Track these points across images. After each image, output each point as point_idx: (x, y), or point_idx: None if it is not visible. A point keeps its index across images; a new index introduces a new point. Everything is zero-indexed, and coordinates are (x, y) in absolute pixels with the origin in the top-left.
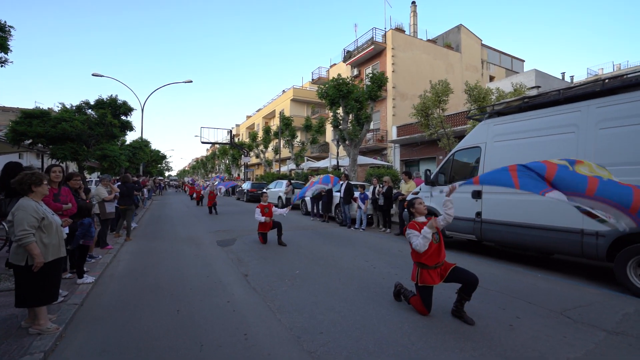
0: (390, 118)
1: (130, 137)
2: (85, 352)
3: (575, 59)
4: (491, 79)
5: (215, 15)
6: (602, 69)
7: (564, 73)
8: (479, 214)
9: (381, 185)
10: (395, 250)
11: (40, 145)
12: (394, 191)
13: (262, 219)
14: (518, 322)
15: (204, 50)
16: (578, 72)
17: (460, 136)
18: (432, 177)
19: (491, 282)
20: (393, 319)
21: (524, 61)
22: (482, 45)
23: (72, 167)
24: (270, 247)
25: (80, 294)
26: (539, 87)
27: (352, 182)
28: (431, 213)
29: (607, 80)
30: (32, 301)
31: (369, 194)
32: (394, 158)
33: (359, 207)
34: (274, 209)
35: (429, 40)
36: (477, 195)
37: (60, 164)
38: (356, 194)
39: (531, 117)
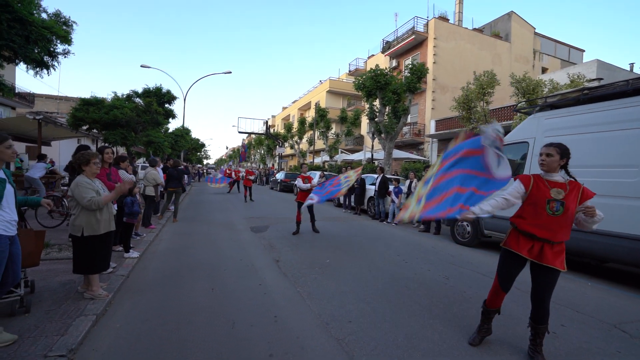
0: (429, 111)
1: (172, 125)
2: (131, 319)
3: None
4: (543, 70)
5: (254, 5)
6: None
7: (632, 64)
8: None
9: (418, 180)
10: (428, 246)
11: (95, 130)
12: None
13: (306, 186)
14: (563, 331)
15: (243, 41)
16: None
17: (506, 132)
18: None
19: None
20: (424, 315)
21: (584, 51)
22: (535, 33)
23: (122, 151)
24: (301, 235)
25: (126, 267)
26: (601, 79)
27: (387, 176)
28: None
29: None
30: (86, 269)
31: (404, 188)
32: (431, 153)
33: (392, 201)
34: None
35: (475, 29)
36: None
37: (111, 147)
38: (390, 187)
39: (591, 110)
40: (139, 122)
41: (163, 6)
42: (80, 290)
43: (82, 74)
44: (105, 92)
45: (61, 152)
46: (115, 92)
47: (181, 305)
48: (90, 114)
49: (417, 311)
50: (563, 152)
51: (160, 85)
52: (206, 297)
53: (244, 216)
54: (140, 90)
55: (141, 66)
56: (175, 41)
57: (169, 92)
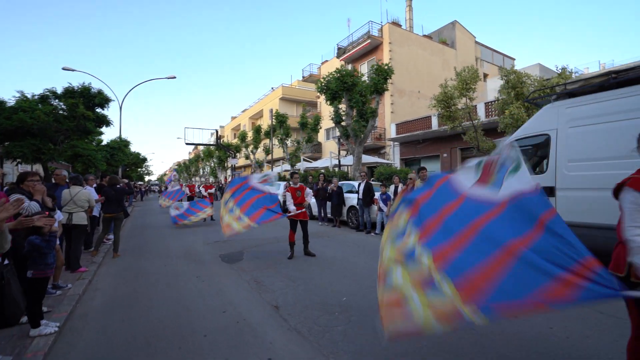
0: (389, 115)
1: (106, 136)
2: None
3: (559, 58)
4: (485, 76)
5: (199, 12)
6: (588, 68)
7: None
8: None
9: (404, 184)
10: None
11: None
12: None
13: (293, 208)
14: None
15: (186, 49)
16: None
17: (486, 129)
18: None
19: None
20: None
21: (514, 59)
22: (476, 42)
23: (37, 170)
24: (290, 263)
25: (32, 358)
26: (548, 79)
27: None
28: None
29: None
30: None
31: (391, 194)
32: (393, 157)
33: (380, 210)
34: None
35: (424, 36)
36: (549, 192)
37: None
38: (376, 194)
39: (623, 95)
40: (59, 129)
41: (93, 2)
42: None
43: None
44: (8, 95)
45: None
46: (22, 92)
47: None
48: None
49: None
50: None
51: (89, 84)
52: None
53: (206, 240)
54: (60, 90)
55: (63, 69)
56: (108, 46)
57: (100, 92)
